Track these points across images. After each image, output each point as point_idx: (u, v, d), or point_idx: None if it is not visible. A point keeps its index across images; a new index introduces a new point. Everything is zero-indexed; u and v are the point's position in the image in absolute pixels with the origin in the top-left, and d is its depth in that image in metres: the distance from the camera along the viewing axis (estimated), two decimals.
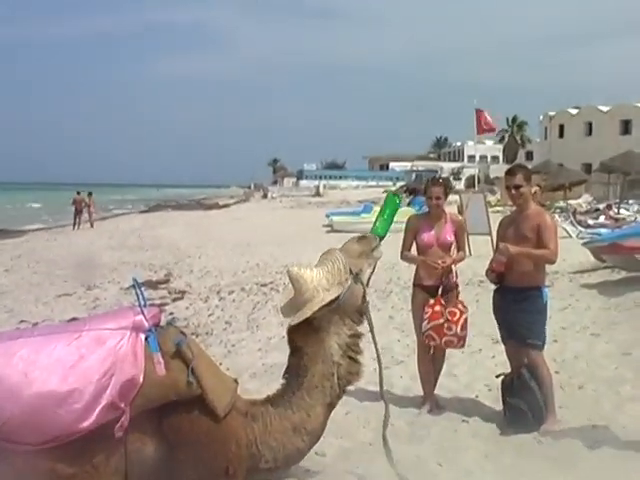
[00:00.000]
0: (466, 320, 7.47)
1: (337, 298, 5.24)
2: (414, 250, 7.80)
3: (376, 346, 5.59)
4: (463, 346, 7.64)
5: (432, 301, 7.48)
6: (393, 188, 30.34)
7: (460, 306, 7.49)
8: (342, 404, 6.85)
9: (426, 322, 7.43)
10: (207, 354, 5.43)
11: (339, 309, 5.30)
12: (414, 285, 7.83)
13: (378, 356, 5.69)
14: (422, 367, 7.76)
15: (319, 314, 5.20)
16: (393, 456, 5.58)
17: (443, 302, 7.47)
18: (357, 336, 5.44)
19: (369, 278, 5.61)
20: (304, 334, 5.30)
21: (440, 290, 7.55)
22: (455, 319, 7.38)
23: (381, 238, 5.81)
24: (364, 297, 5.47)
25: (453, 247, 7.76)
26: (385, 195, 7.01)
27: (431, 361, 7.74)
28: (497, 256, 6.92)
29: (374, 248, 5.60)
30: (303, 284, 5.22)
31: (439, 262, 7.47)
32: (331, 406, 5.42)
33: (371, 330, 5.57)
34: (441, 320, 7.37)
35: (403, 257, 7.83)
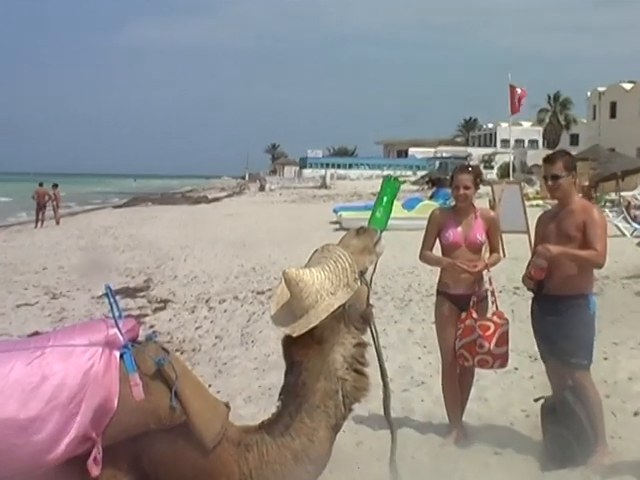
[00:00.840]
0: (504, 335, 7.39)
1: (345, 303, 5.15)
2: (437, 251, 7.77)
3: (380, 358, 5.53)
4: (503, 366, 7.59)
5: (463, 315, 7.44)
6: (427, 201, 30.13)
7: (495, 318, 7.42)
8: (353, 433, 6.88)
9: (458, 340, 7.42)
10: (194, 374, 5.40)
11: (344, 315, 5.21)
12: (438, 293, 7.80)
13: (382, 370, 5.61)
14: (447, 390, 7.72)
15: (321, 323, 5.12)
16: None
17: (475, 315, 7.42)
18: (363, 345, 5.36)
19: (372, 278, 5.58)
20: (304, 346, 5.17)
21: (472, 301, 7.47)
22: (488, 334, 7.30)
23: (381, 230, 5.80)
24: (368, 300, 5.45)
25: (484, 248, 7.71)
26: (382, 180, 6.99)
27: (458, 383, 7.71)
28: (536, 260, 6.86)
29: (376, 242, 5.52)
30: (304, 288, 5.09)
31: (470, 265, 7.42)
32: (336, 428, 5.33)
33: (374, 339, 5.52)
34: (473, 336, 7.34)
35: (423, 257, 7.78)
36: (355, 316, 5.28)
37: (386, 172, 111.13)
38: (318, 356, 5.18)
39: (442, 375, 7.79)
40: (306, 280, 5.10)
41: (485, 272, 7.61)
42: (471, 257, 7.50)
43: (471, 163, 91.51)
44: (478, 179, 7.75)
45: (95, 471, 4.69)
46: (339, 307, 5.09)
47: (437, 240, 7.72)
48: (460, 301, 7.52)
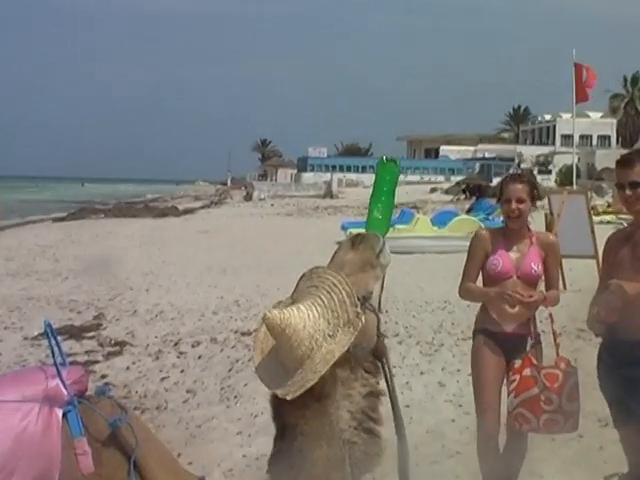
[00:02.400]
0: (576, 387, 7.33)
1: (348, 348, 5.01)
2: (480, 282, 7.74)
3: (395, 402, 5.48)
4: (575, 428, 7.50)
5: (518, 363, 7.35)
6: (464, 216, 29.77)
7: (563, 365, 7.33)
8: None
9: (512, 395, 7.32)
10: (159, 440, 5.41)
11: (350, 359, 5.15)
12: (476, 332, 7.75)
13: (398, 419, 5.57)
14: (485, 462, 7.62)
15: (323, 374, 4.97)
16: None
17: (535, 362, 7.36)
18: (375, 395, 5.31)
19: (380, 299, 5.49)
20: (300, 406, 5.07)
21: (529, 344, 7.42)
22: (556, 385, 7.21)
23: (384, 233, 5.75)
24: (379, 329, 5.37)
25: (541, 283, 7.68)
26: (376, 164, 6.90)
27: (501, 453, 7.65)
28: (606, 297, 6.81)
29: (379, 251, 5.47)
30: (292, 335, 4.93)
31: (523, 294, 7.32)
32: None
33: (387, 379, 5.47)
34: (535, 390, 7.23)
35: (465, 290, 7.66)
36: (364, 356, 5.22)
37: (410, 177, 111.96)
38: (318, 416, 5.10)
39: (478, 443, 7.69)
40: (294, 324, 4.92)
41: (543, 309, 7.56)
42: (524, 291, 7.43)
43: (522, 168, 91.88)
44: (535, 190, 7.69)
45: None
46: (343, 352, 4.97)
47: (481, 270, 7.67)
48: (508, 342, 7.47)
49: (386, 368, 5.41)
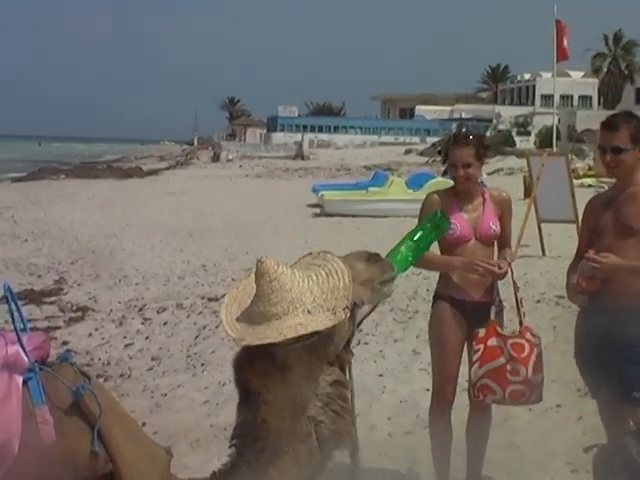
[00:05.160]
0: (540, 357, 7.33)
1: (318, 333, 4.95)
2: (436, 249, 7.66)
3: (352, 421, 5.49)
4: (539, 400, 7.51)
5: (482, 332, 7.29)
6: (440, 179, 29.62)
7: (529, 335, 7.31)
8: None
9: (477, 366, 7.27)
10: (122, 408, 5.40)
11: (317, 348, 5.10)
12: (438, 298, 7.66)
13: (354, 446, 5.57)
14: (436, 432, 7.64)
15: (286, 346, 4.93)
16: None
17: (500, 331, 7.34)
18: (343, 385, 5.32)
19: (362, 320, 5.46)
20: (262, 372, 5.05)
21: (493, 312, 7.38)
22: (523, 356, 7.21)
23: (400, 271, 5.76)
24: (348, 344, 5.35)
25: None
26: (429, 210, 6.93)
27: (449, 426, 7.62)
28: (585, 266, 6.85)
29: (385, 281, 5.48)
30: (276, 289, 4.91)
31: (494, 265, 7.29)
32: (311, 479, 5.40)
33: (350, 394, 5.48)
34: (501, 360, 7.23)
35: (424, 261, 7.23)
36: (331, 354, 5.18)
37: (384, 138, 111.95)
38: (281, 388, 5.07)
39: (431, 409, 7.69)
40: (283, 281, 4.93)
41: (509, 274, 7.49)
42: (484, 253, 7.44)
43: (500, 129, 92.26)
44: (482, 152, 7.50)
45: None
46: (311, 334, 4.92)
47: None
48: (473, 311, 7.42)
49: (350, 383, 5.43)
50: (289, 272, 4.95)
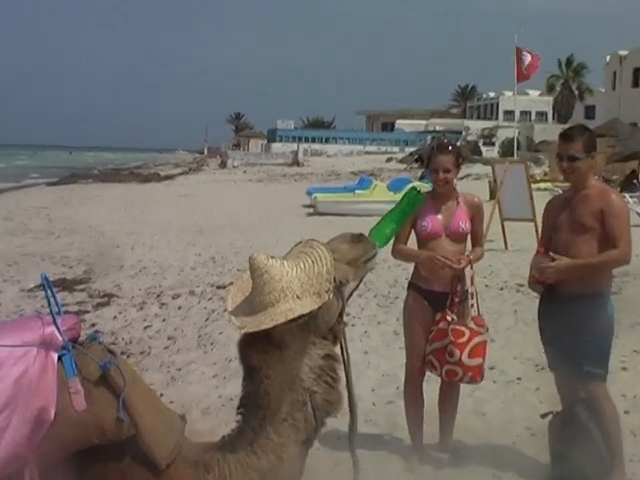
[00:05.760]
0: (481, 345, 7.35)
1: (308, 314, 5.01)
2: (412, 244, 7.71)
3: (349, 383, 5.49)
4: (476, 381, 7.51)
5: (438, 316, 7.40)
6: (416, 183, 29.57)
7: (473, 324, 7.36)
8: (329, 452, 6.91)
9: (429, 344, 7.40)
10: (144, 381, 5.39)
11: (308, 326, 5.14)
12: (410, 287, 7.75)
13: (351, 398, 5.56)
14: (410, 401, 7.72)
15: (281, 327, 4.99)
16: None
17: (450, 317, 7.37)
18: (333, 358, 5.30)
19: (351, 293, 5.45)
20: (262, 350, 5.11)
21: (450, 301, 7.42)
22: (460, 341, 7.25)
23: (380, 246, 5.76)
24: (341, 316, 5.35)
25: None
26: (407, 191, 6.93)
27: (421, 397, 7.69)
28: (536, 260, 6.95)
29: (369, 258, 5.47)
30: (268, 281, 4.98)
31: (453, 260, 7.34)
32: (308, 444, 5.32)
33: (345, 361, 5.48)
34: (444, 342, 7.30)
35: (396, 252, 7.59)
36: (323, 329, 5.21)
37: (368, 148, 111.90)
38: (279, 363, 5.13)
39: (406, 382, 7.78)
40: (273, 273, 4.99)
41: (468, 269, 7.52)
42: (453, 249, 7.46)
43: (468, 140, 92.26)
44: (459, 159, 7.64)
45: None
46: (301, 315, 4.99)
47: (412, 230, 7.60)
48: (436, 299, 7.47)
49: (344, 350, 5.44)
50: (278, 264, 5.00)
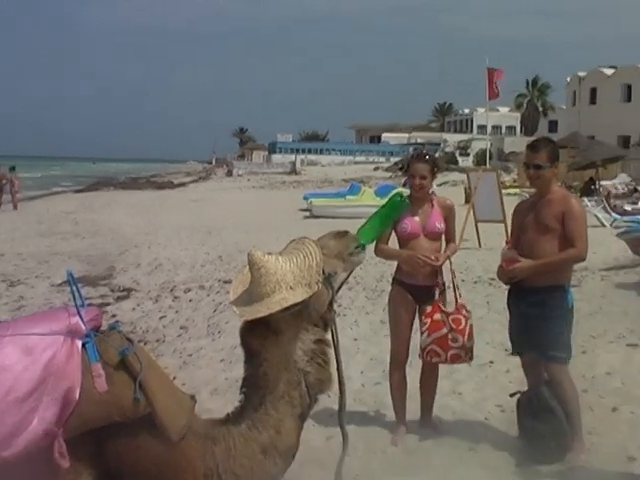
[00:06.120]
0: (472, 327, 7.44)
1: (301, 303, 5.11)
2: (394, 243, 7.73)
3: (339, 366, 5.50)
4: (471, 359, 7.59)
5: (429, 308, 7.38)
6: (400, 189, 29.62)
7: (464, 311, 7.43)
8: (323, 427, 6.92)
9: (426, 335, 7.36)
10: (158, 365, 5.40)
11: (301, 314, 5.21)
12: (393, 282, 7.77)
13: (340, 379, 5.58)
14: (395, 382, 7.73)
15: (277, 315, 5.09)
16: None
17: (444, 308, 7.43)
18: (324, 343, 5.35)
19: (341, 285, 5.52)
20: (261, 336, 5.19)
21: (437, 293, 7.45)
22: (461, 328, 7.32)
23: (365, 243, 5.80)
24: (331, 305, 5.41)
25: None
26: (391, 196, 6.96)
27: (404, 379, 7.71)
28: (504, 251, 7.02)
29: (354, 252, 5.53)
30: (264, 274, 5.07)
31: (431, 258, 7.39)
32: (303, 418, 5.38)
33: (335, 345, 5.51)
34: (444, 330, 7.31)
35: (379, 251, 7.60)
36: (314, 317, 5.28)
37: (358, 158, 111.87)
38: (275, 347, 5.19)
39: (390, 366, 7.80)
40: (268, 267, 5.07)
41: (447, 263, 7.58)
42: (430, 246, 7.50)
43: (446, 151, 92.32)
44: (435, 168, 7.69)
45: (65, 463, 4.69)
46: (294, 304, 5.07)
47: (393, 232, 7.63)
48: (417, 292, 7.50)
49: (334, 335, 5.48)
50: (273, 259, 5.09)
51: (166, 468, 4.95)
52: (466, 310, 7.47)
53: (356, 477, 6.50)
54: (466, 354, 7.41)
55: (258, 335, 5.20)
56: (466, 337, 7.33)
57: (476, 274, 15.47)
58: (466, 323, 7.36)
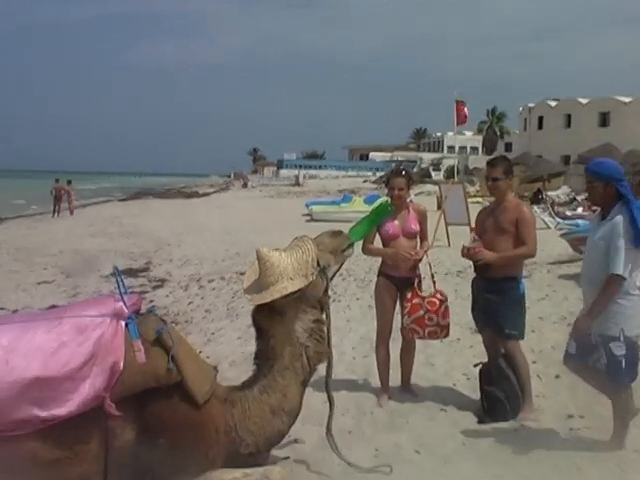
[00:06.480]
0: (447, 308, 7.44)
1: (299, 290, 5.22)
2: (379, 243, 7.74)
3: (329, 341, 5.55)
4: (447, 335, 7.57)
5: (409, 295, 7.40)
6: (384, 198, 30.00)
7: (439, 295, 7.43)
8: (321, 392, 6.90)
9: (407, 316, 7.38)
10: (187, 342, 5.42)
11: (301, 299, 5.32)
12: (379, 274, 7.77)
13: (329, 347, 5.63)
14: (380, 354, 7.73)
15: (280, 300, 5.21)
16: (346, 453, 5.73)
17: (420, 294, 7.43)
18: (320, 322, 5.47)
19: (334, 274, 5.63)
20: (268, 317, 5.33)
21: (416, 282, 7.48)
22: (435, 309, 7.34)
23: (354, 240, 5.85)
24: (326, 291, 5.49)
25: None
26: (380, 203, 7.04)
27: (387, 353, 7.71)
28: (471, 238, 7.07)
29: (345, 248, 5.63)
30: (269, 267, 5.19)
31: (411, 253, 7.41)
32: (304, 384, 5.47)
33: (328, 325, 5.56)
34: (421, 312, 7.33)
35: (366, 250, 7.60)
36: (312, 301, 5.38)
37: (350, 173, 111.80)
38: (281, 326, 5.30)
39: (377, 342, 7.79)
40: (273, 261, 5.20)
41: (425, 258, 7.58)
42: (408, 244, 7.50)
43: (422, 167, 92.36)
44: (410, 181, 7.71)
45: (107, 420, 4.74)
46: (293, 291, 5.17)
47: (376, 233, 7.65)
48: (400, 282, 7.51)
49: (328, 315, 5.54)
50: (277, 254, 5.23)
51: (193, 425, 5.00)
52: (441, 294, 7.46)
53: (349, 433, 6.52)
54: (441, 331, 7.41)
55: (266, 316, 5.32)
56: (440, 316, 7.34)
57: (446, 267, 15.47)
58: (440, 305, 7.36)
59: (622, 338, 5.68)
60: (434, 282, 7.67)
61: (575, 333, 5.95)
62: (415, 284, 7.47)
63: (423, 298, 7.38)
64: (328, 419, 5.77)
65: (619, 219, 5.73)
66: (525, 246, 6.80)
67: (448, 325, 7.46)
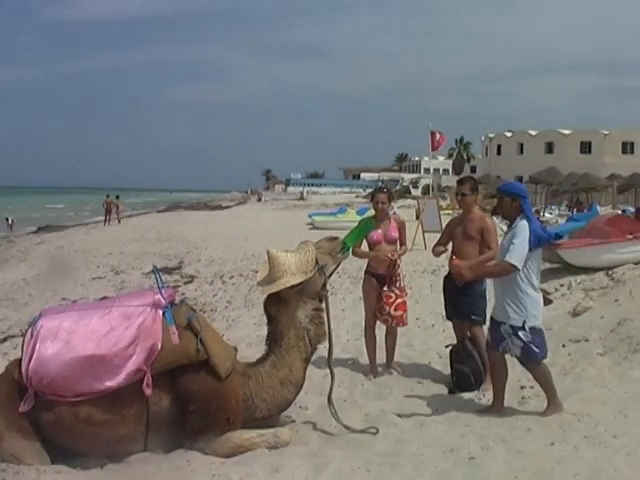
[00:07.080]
0: (403, 302, 7.42)
1: (300, 284, 5.26)
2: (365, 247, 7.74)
3: (329, 327, 5.57)
4: (400, 325, 7.56)
5: (385, 289, 7.44)
6: (369, 214, 30.20)
7: (397, 291, 7.40)
8: (321, 367, 6.90)
9: (376, 303, 7.50)
10: (212, 327, 5.46)
11: (302, 291, 5.35)
12: (365, 272, 7.78)
13: (329, 335, 5.64)
14: (367, 337, 7.74)
15: (285, 291, 5.25)
16: (351, 417, 5.81)
17: (386, 288, 7.43)
18: (320, 310, 5.50)
19: (332, 272, 5.67)
20: (276, 305, 5.37)
21: (388, 279, 7.44)
22: (390, 301, 7.35)
23: (349, 246, 5.88)
24: (324, 286, 5.52)
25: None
26: (362, 218, 7.14)
27: (374, 337, 7.70)
28: (454, 262, 6.66)
29: (340, 251, 5.65)
30: (277, 265, 5.25)
31: (389, 255, 7.42)
32: (307, 360, 5.50)
33: (327, 313, 5.59)
34: (381, 303, 7.42)
35: (355, 253, 7.48)
36: (311, 293, 5.42)
37: (345, 189, 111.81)
38: (287, 312, 5.34)
39: (365, 327, 7.81)
40: (280, 260, 5.26)
41: (399, 260, 7.54)
42: (389, 248, 7.51)
43: (387, 185, 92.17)
44: (391, 196, 7.74)
45: (148, 391, 4.80)
46: (295, 285, 5.22)
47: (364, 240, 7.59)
48: (381, 278, 7.51)
49: (327, 306, 5.58)
50: (283, 254, 5.33)
51: (217, 395, 5.03)
52: (401, 290, 7.45)
53: (344, 401, 6.51)
54: (393, 320, 7.41)
55: (274, 305, 5.38)
56: (392, 308, 7.34)
57: (423, 267, 15.39)
58: (396, 298, 7.37)
59: (527, 328, 5.76)
60: (401, 279, 7.54)
61: (456, 277, 6.18)
62: (388, 280, 7.44)
63: (385, 292, 7.40)
64: (329, 390, 5.78)
65: (520, 225, 5.79)
66: (491, 250, 6.79)
67: (401, 317, 7.43)
